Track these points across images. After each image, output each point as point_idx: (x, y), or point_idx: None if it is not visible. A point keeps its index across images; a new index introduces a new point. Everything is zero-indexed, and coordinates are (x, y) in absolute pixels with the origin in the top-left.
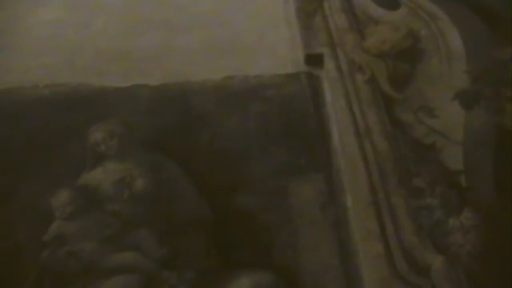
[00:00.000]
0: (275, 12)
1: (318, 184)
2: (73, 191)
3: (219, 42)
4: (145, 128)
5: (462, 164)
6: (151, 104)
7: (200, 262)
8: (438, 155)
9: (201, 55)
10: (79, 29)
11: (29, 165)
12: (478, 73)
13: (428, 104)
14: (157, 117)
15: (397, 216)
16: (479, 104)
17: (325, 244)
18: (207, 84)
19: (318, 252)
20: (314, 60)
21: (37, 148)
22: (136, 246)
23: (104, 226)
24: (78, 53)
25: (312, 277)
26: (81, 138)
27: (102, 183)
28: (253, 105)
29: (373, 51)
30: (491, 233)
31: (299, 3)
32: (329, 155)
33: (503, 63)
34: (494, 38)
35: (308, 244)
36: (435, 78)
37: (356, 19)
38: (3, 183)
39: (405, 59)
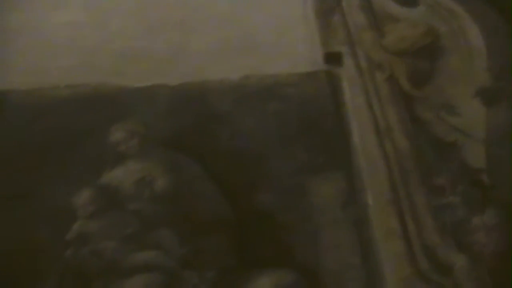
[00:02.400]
0: (293, 11)
1: (338, 183)
2: (94, 190)
3: (236, 42)
4: (165, 127)
5: (484, 162)
6: (170, 104)
7: (221, 261)
8: (459, 153)
9: (219, 55)
10: (97, 31)
11: (50, 165)
12: (499, 71)
13: (449, 102)
14: (176, 116)
15: (419, 215)
16: (501, 102)
17: (346, 243)
18: (225, 84)
19: (339, 251)
20: (333, 58)
21: (58, 148)
22: (158, 245)
23: (126, 225)
24: (97, 54)
25: (333, 276)
26: (101, 137)
27: (123, 182)
28: (271, 104)
29: (392, 49)
30: None
31: (317, 1)
32: (349, 153)
33: None
34: None
35: (329, 243)
36: (456, 76)
37: (374, 17)
38: (24, 183)
39: (425, 57)
